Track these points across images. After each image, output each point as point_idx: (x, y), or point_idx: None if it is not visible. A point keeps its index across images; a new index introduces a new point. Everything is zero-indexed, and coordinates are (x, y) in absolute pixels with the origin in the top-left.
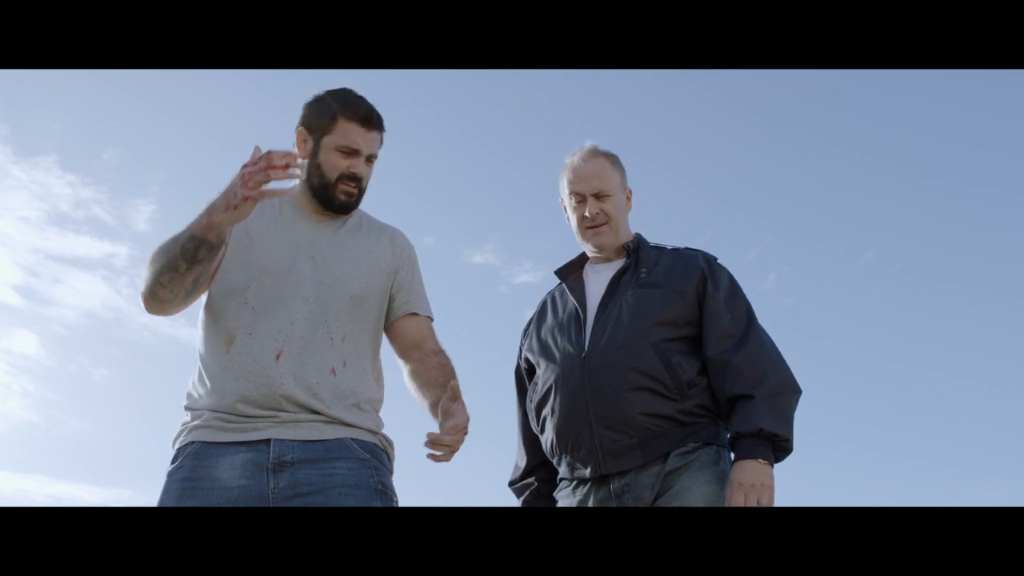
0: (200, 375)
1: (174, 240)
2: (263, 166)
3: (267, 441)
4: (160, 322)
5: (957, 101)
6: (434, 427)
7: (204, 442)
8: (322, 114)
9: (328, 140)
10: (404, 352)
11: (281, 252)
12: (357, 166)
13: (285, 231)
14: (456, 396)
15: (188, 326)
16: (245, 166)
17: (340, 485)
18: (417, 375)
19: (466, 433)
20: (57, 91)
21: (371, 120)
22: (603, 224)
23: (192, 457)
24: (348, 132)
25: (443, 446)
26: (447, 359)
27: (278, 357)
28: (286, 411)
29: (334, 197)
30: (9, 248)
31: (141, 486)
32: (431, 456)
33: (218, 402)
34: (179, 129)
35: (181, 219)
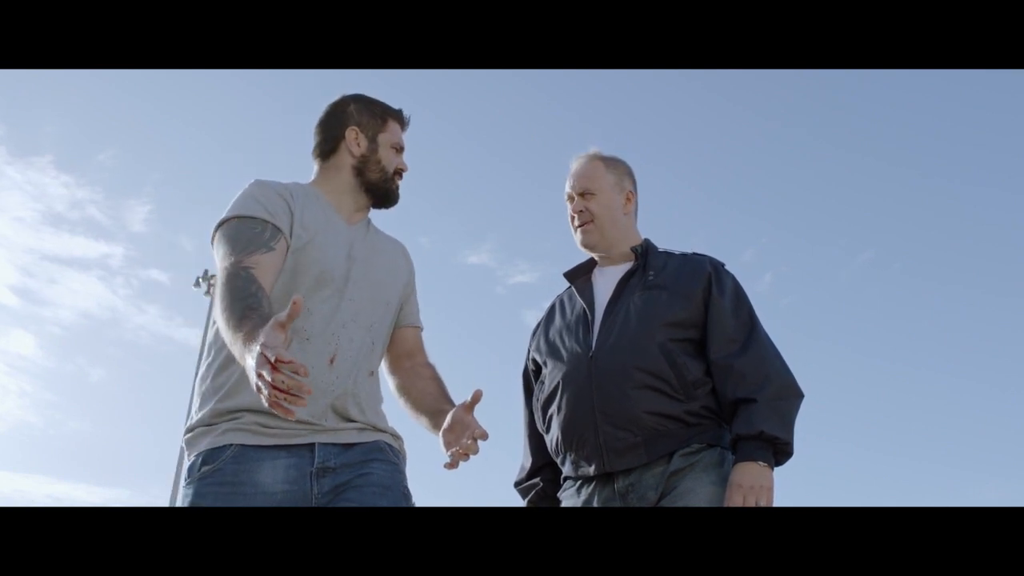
0: (236, 374)
1: (235, 326)
2: (278, 397)
3: (310, 446)
4: (156, 322)
5: (955, 101)
6: (425, 434)
7: (243, 445)
8: (373, 114)
9: (384, 137)
10: (396, 359)
11: (332, 252)
12: (404, 163)
13: (332, 231)
14: (473, 407)
15: (185, 326)
16: (262, 369)
17: (375, 484)
18: (411, 386)
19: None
20: (52, 91)
21: (407, 123)
22: (588, 222)
23: (231, 461)
24: (397, 131)
25: (466, 456)
26: (438, 372)
27: (332, 361)
28: (329, 420)
29: (393, 191)
30: (5, 248)
31: (140, 486)
32: (451, 466)
33: (258, 405)
34: (175, 130)
35: (176, 220)
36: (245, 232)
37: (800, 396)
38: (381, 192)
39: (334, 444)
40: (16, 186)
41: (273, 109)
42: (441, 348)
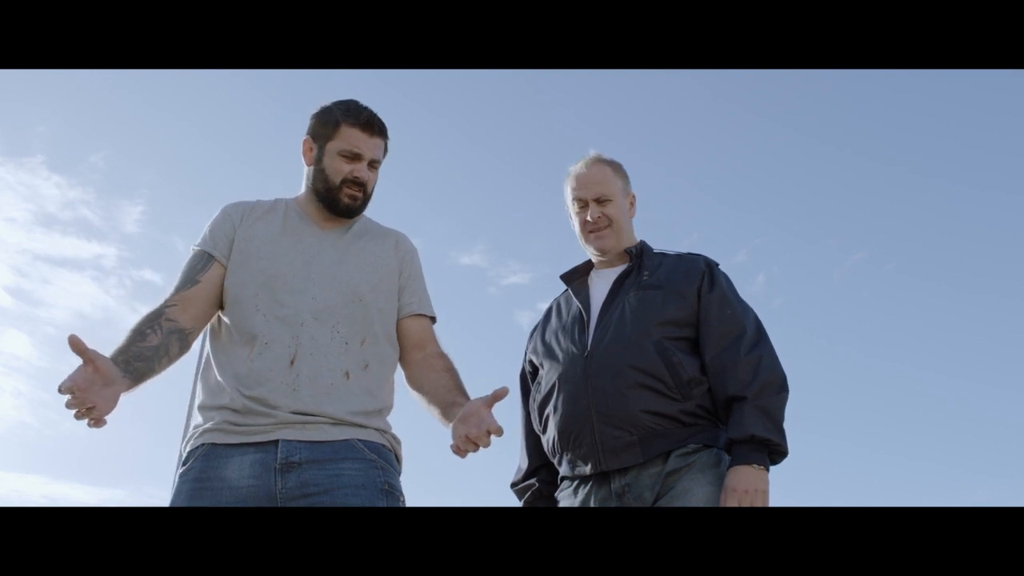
0: (214, 379)
1: None
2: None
3: (275, 442)
4: None
5: (948, 101)
6: (437, 428)
7: (213, 444)
8: (327, 122)
9: (331, 146)
10: (405, 352)
11: (285, 259)
12: (360, 170)
13: (289, 238)
14: (493, 403)
15: None
16: (62, 388)
17: (347, 486)
18: (423, 378)
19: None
20: (44, 92)
21: (373, 126)
22: (605, 228)
23: (202, 459)
24: (350, 137)
25: (474, 446)
26: (452, 363)
27: (292, 362)
28: (294, 416)
29: (338, 201)
30: None
31: (135, 486)
32: (457, 450)
33: (231, 406)
34: (167, 131)
35: (169, 220)
36: (186, 268)
37: (786, 390)
38: (327, 202)
39: (299, 441)
40: (8, 187)
41: (271, 109)
42: (447, 350)
